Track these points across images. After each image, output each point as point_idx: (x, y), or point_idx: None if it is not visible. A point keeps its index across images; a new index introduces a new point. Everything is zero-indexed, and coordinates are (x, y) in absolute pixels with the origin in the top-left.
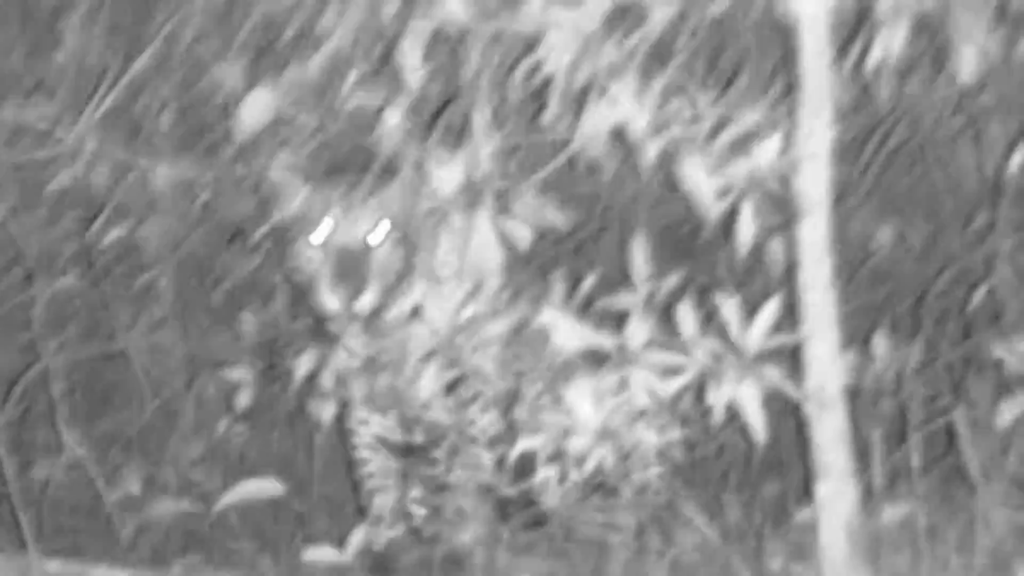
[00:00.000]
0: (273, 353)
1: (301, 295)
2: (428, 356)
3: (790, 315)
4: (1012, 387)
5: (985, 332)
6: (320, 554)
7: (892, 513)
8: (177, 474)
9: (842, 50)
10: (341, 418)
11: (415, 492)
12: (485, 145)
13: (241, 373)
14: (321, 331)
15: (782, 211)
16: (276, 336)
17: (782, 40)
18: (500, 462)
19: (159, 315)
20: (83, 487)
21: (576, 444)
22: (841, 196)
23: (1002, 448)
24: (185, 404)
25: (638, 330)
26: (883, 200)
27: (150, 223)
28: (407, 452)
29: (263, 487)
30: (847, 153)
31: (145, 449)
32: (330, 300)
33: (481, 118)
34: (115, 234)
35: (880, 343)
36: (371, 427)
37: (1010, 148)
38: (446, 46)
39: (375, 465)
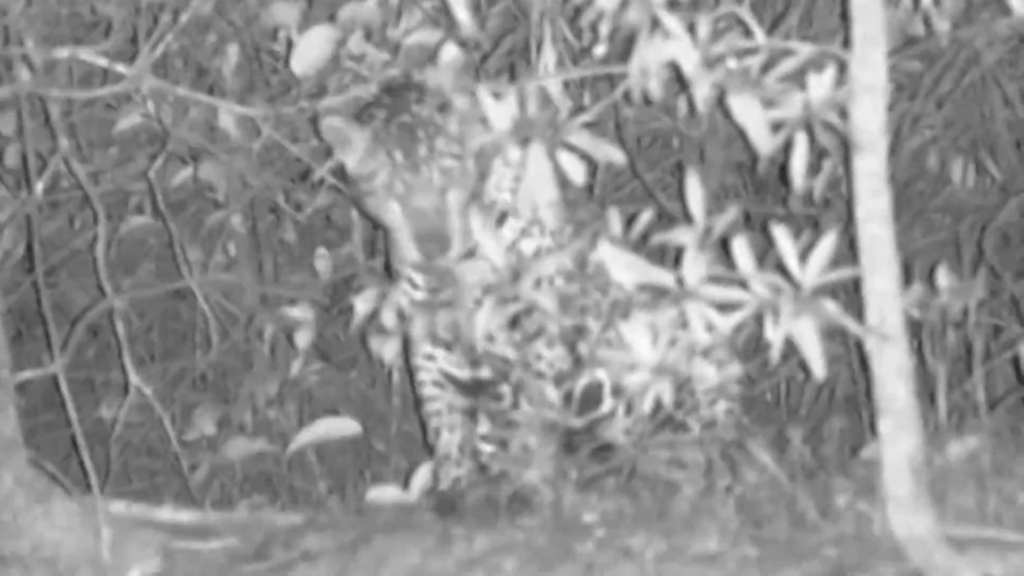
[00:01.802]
0: (347, 291)
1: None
2: (486, 291)
3: (851, 249)
4: None
5: None
6: (385, 493)
7: (958, 449)
8: (252, 414)
9: None
10: (407, 355)
11: (482, 429)
12: (545, 78)
13: (302, 312)
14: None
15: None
16: (352, 274)
17: None
18: (567, 397)
19: (231, 254)
20: (150, 428)
21: (635, 379)
22: (902, 129)
23: None
24: (258, 344)
25: (695, 265)
26: (942, 134)
27: (218, 162)
28: (474, 388)
29: (339, 426)
30: (908, 88)
31: (218, 389)
32: (412, 254)
33: (542, 51)
34: (184, 173)
35: (944, 276)
36: (437, 363)
37: None
38: None
39: (442, 402)
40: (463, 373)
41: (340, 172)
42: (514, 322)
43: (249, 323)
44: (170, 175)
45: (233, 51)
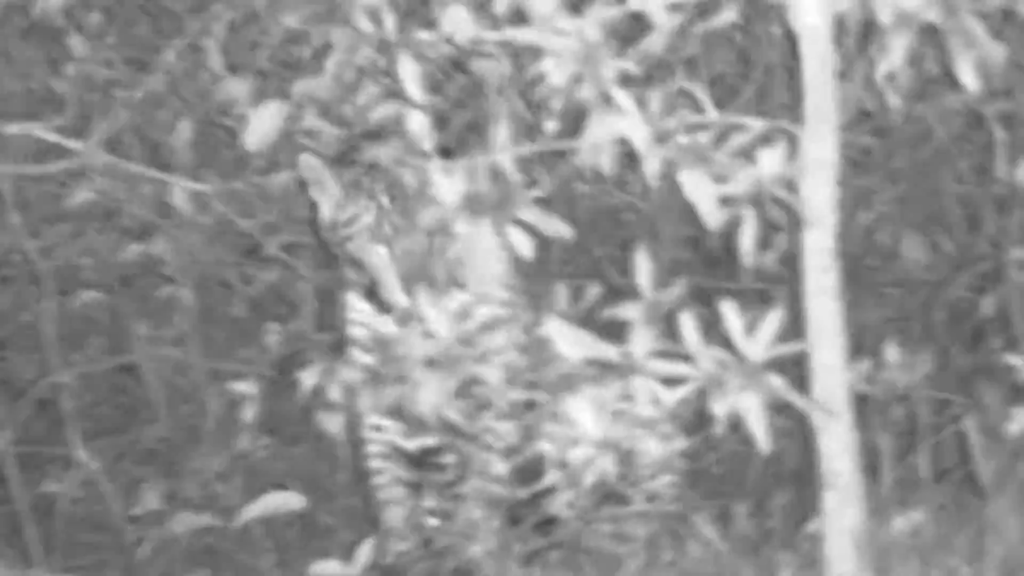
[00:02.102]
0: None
1: (328, 304)
2: (430, 365)
3: (795, 325)
4: (1023, 396)
5: (996, 340)
6: (328, 568)
7: (902, 523)
8: (200, 488)
9: (852, 59)
10: (353, 429)
11: (428, 503)
12: (499, 153)
13: (248, 386)
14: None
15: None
16: (302, 349)
17: (788, 50)
18: (515, 472)
19: (181, 329)
20: (96, 502)
21: (578, 454)
22: (853, 205)
23: (1014, 456)
24: (205, 419)
25: (642, 339)
26: (894, 209)
27: (168, 237)
28: (420, 460)
29: (285, 500)
30: (861, 163)
31: (166, 464)
32: (399, 295)
33: (496, 126)
34: (135, 248)
35: (890, 351)
36: (384, 434)
37: (1018, 156)
38: (448, 60)
39: (388, 475)
40: (410, 444)
41: (288, 248)
42: (463, 391)
43: (195, 397)
44: (121, 250)
45: (186, 127)
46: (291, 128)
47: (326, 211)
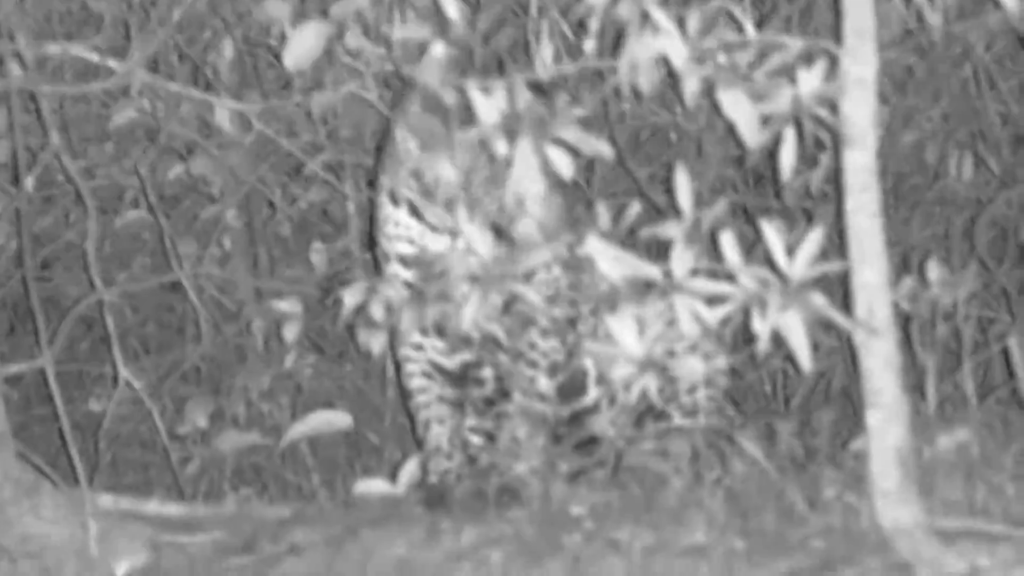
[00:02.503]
0: (340, 284)
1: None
2: (473, 283)
3: (840, 244)
4: None
5: None
6: (372, 486)
7: (947, 441)
8: (245, 407)
9: None
10: (396, 347)
11: (470, 421)
12: (531, 74)
13: (291, 305)
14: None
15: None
16: (348, 267)
17: None
18: (558, 390)
19: (226, 249)
20: (140, 421)
21: (621, 372)
22: (895, 124)
23: None
24: (251, 338)
25: (682, 258)
26: (938, 128)
27: (210, 157)
28: (461, 378)
29: (331, 419)
30: (901, 82)
31: (211, 383)
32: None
33: (539, 46)
34: (178, 168)
35: (934, 269)
36: (425, 353)
37: None
38: None
39: (430, 394)
40: (451, 362)
41: (333, 167)
42: (506, 309)
43: (239, 317)
44: (164, 170)
45: (228, 47)
46: (333, 48)
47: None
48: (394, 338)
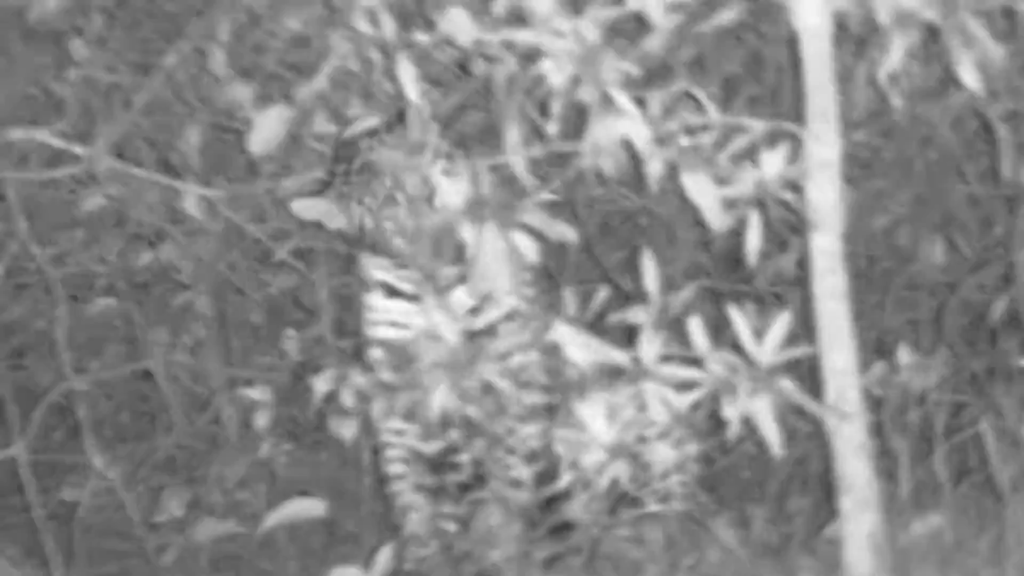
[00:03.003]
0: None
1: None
2: (440, 369)
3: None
4: None
5: (1009, 342)
6: (347, 574)
7: (920, 526)
8: (222, 495)
9: (854, 60)
10: (372, 433)
11: (447, 508)
12: (502, 156)
13: (261, 393)
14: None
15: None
16: (319, 354)
17: (789, 50)
18: (533, 476)
19: (197, 336)
20: (114, 510)
21: (591, 459)
22: (864, 208)
23: None
24: (224, 426)
25: (651, 344)
26: (905, 211)
27: (179, 244)
28: (438, 465)
29: (308, 507)
30: (868, 165)
31: (187, 471)
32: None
33: (507, 129)
34: (149, 255)
35: (905, 354)
36: (405, 438)
37: None
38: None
39: (408, 480)
40: (429, 447)
41: (303, 253)
42: (476, 396)
43: (208, 405)
44: (134, 257)
45: (194, 131)
46: (300, 132)
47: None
48: (370, 425)
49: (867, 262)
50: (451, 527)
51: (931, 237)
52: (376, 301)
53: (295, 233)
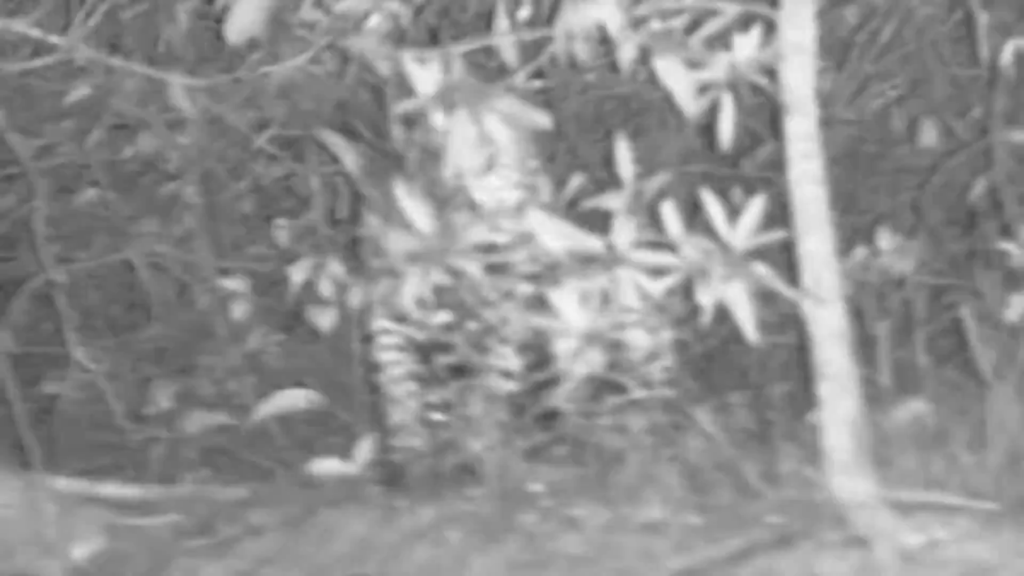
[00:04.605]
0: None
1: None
2: (411, 260)
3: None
4: (1019, 281)
5: (989, 224)
6: (327, 466)
7: (901, 412)
8: (212, 386)
9: None
10: (362, 321)
11: (433, 398)
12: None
13: (237, 283)
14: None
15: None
16: (313, 244)
17: None
18: (528, 368)
19: (187, 226)
20: (101, 403)
21: (564, 346)
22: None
23: (1012, 343)
24: (217, 316)
25: (624, 230)
26: (874, 95)
27: (162, 133)
28: (429, 353)
29: (299, 397)
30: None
31: (176, 363)
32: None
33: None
34: (136, 145)
35: (885, 237)
36: (402, 326)
37: (1003, 38)
38: None
39: (401, 368)
40: (419, 334)
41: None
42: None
43: (181, 296)
44: (121, 148)
45: (182, 19)
46: (286, 20)
47: None
48: (359, 314)
49: (852, 146)
50: (436, 416)
51: (923, 120)
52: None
53: (278, 121)
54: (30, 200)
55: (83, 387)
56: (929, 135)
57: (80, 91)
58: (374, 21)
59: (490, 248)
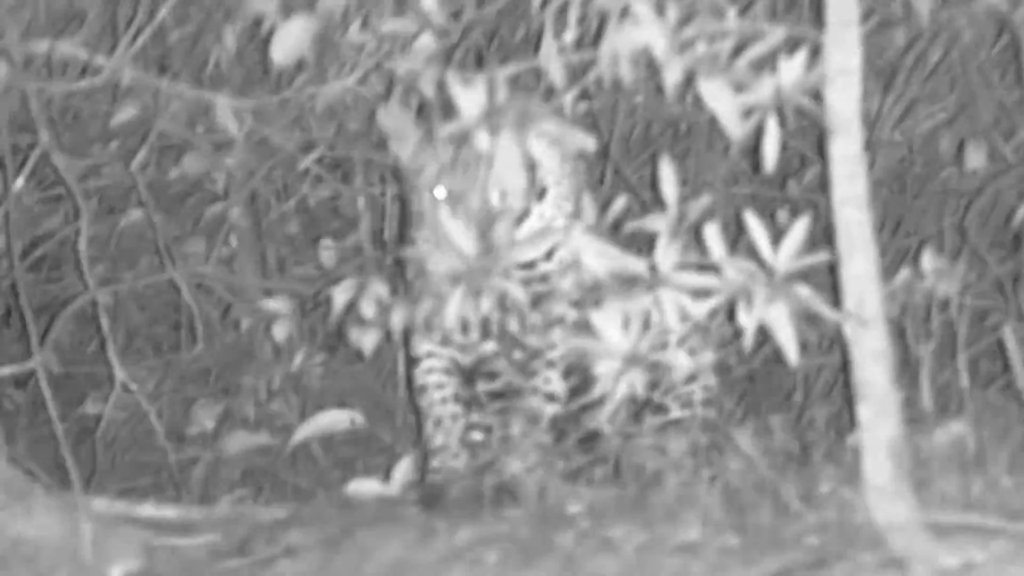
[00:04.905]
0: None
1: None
2: (454, 281)
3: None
4: None
5: None
6: (366, 487)
7: (942, 434)
8: (254, 407)
9: None
10: (400, 347)
11: (474, 417)
12: (511, 67)
13: (280, 304)
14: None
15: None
16: (359, 265)
17: None
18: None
19: (232, 247)
20: (143, 423)
21: (605, 368)
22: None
23: None
24: (261, 337)
25: (668, 252)
26: (922, 117)
27: (205, 154)
28: (475, 375)
29: (340, 418)
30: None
31: (219, 383)
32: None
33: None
34: (183, 167)
35: (929, 259)
36: (449, 349)
37: None
38: None
39: (446, 390)
40: (467, 358)
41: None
42: (534, 305)
43: (225, 316)
44: (167, 169)
45: (230, 39)
46: (333, 42)
47: (403, 157)
48: (409, 335)
49: (899, 168)
50: (476, 437)
51: (970, 143)
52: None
53: (328, 142)
54: (76, 221)
55: (125, 407)
56: (976, 158)
57: (126, 112)
58: (421, 42)
59: (533, 270)
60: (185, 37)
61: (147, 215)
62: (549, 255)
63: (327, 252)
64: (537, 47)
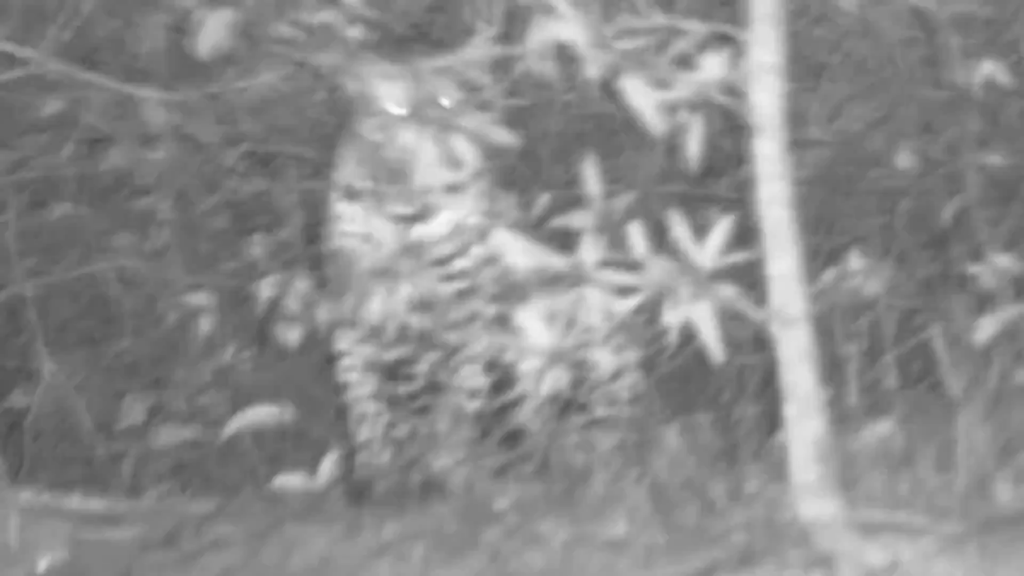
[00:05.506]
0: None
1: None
2: (377, 276)
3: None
4: (988, 304)
5: (959, 247)
6: (293, 481)
7: (869, 433)
8: (184, 402)
9: None
10: (328, 342)
11: (400, 416)
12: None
13: (203, 298)
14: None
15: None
16: (288, 260)
17: None
18: (493, 386)
19: (160, 241)
20: (67, 416)
21: (530, 365)
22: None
23: (981, 366)
24: (185, 331)
25: (591, 249)
26: (851, 117)
27: (132, 147)
28: (395, 373)
29: (270, 413)
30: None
31: (149, 377)
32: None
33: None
34: (110, 160)
35: (855, 259)
36: (366, 347)
37: (973, 61)
38: None
39: (362, 388)
40: (388, 356)
41: (269, 158)
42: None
43: (152, 310)
44: (94, 161)
45: (157, 35)
46: (259, 35)
47: None
48: (330, 332)
49: (826, 167)
50: (400, 434)
51: (899, 142)
52: (340, 206)
53: (254, 137)
54: (2, 213)
55: (52, 401)
56: (905, 158)
57: (52, 105)
58: (347, 36)
59: (454, 265)
60: (111, 30)
61: (74, 208)
62: (466, 251)
63: (255, 247)
64: (464, 42)
